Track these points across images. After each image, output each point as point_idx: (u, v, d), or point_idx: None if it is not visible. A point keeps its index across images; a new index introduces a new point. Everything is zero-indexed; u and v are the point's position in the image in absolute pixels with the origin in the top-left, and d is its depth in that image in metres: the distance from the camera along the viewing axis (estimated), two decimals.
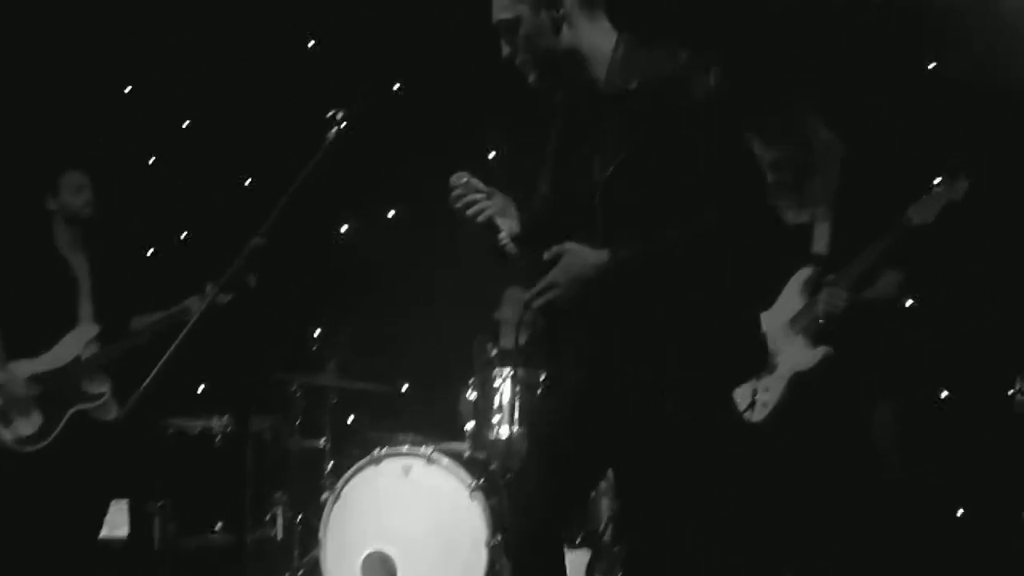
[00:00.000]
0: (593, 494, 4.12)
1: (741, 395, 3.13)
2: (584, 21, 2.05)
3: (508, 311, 4.77)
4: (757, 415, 3.12)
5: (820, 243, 3.09)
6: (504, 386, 4.17)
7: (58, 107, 4.96)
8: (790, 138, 3.12)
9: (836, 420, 3.03)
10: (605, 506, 4.30)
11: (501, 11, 2.09)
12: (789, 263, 3.16)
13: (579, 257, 2.09)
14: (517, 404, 4.10)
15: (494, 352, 4.25)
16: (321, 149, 3.19)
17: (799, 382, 3.06)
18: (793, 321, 3.10)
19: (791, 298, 3.14)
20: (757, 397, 3.12)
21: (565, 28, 2.05)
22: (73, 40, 5.04)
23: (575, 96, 2.15)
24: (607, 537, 4.09)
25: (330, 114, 3.22)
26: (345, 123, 3.22)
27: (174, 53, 5.18)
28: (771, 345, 3.12)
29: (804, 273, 3.11)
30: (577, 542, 3.63)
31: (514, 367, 4.18)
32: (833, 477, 3.01)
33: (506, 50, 2.13)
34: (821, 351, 3.03)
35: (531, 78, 2.13)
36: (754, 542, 3.35)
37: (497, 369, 4.18)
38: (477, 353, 4.51)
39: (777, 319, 3.13)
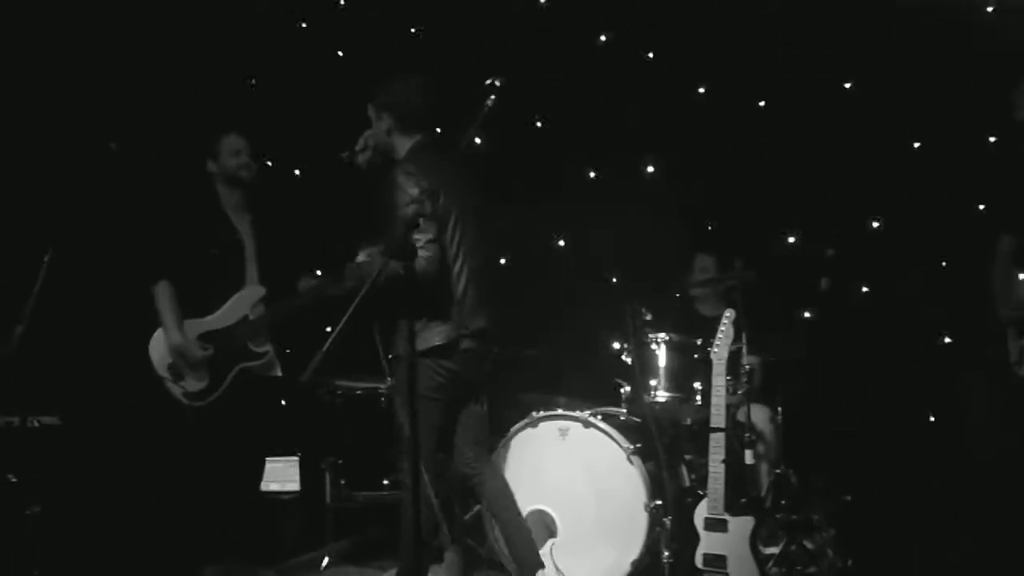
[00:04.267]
0: (753, 461, 4.06)
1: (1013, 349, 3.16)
2: (397, 135, 3.64)
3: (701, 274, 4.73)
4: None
5: None
6: (660, 350, 4.15)
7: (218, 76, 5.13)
8: None
9: None
10: (765, 472, 4.24)
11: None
12: None
13: None
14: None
15: (648, 317, 4.22)
16: (480, 114, 3.25)
17: None
18: None
19: None
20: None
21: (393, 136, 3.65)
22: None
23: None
24: (768, 504, 4.03)
25: (488, 81, 3.28)
26: (501, 89, 3.26)
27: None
28: None
29: None
30: (741, 510, 3.58)
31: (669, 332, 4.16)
32: None
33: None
34: None
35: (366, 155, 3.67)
36: None
37: (652, 334, 4.16)
38: (631, 318, 4.47)
39: None
